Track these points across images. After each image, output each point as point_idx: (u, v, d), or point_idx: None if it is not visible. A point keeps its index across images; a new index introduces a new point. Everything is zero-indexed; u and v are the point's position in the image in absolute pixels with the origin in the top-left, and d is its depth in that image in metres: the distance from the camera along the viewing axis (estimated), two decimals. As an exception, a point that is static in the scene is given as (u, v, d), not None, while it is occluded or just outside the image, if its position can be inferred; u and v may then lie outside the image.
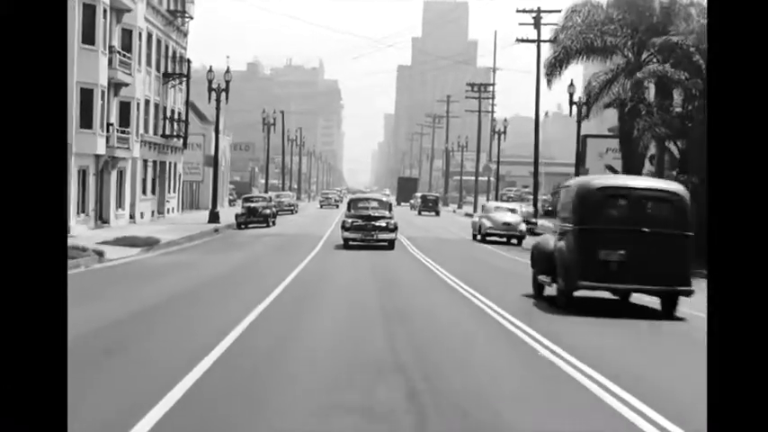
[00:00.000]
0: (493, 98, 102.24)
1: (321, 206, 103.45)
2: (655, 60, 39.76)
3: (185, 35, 60.99)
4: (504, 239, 46.76)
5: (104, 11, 40.47)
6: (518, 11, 67.79)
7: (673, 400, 10.10)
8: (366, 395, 9.70)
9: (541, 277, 20.04)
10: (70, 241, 29.07)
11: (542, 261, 19.99)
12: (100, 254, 27.81)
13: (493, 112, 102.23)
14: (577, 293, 18.22)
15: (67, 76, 39.00)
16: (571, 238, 18.06)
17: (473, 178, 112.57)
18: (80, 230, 38.29)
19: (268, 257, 32.19)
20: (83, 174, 40.68)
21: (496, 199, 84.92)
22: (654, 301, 18.99)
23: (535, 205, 67.47)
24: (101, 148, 40.58)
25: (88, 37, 39.47)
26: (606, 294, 19.29)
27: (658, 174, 39.88)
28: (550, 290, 19.63)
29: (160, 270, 26.46)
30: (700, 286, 15.17)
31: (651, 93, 41.29)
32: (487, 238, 46.21)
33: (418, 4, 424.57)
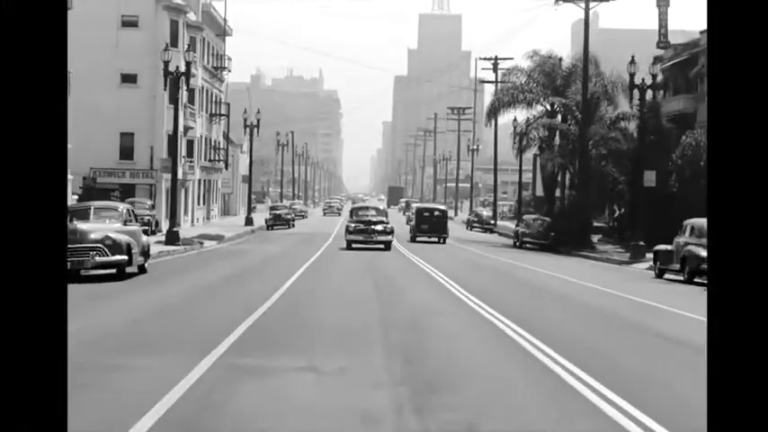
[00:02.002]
0: (474, 119, 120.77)
1: (324, 214, 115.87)
2: (560, 112, 58.45)
3: (222, 81, 79.72)
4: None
5: (181, 79, 59.13)
6: (480, 58, 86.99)
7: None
8: (359, 281, 28.07)
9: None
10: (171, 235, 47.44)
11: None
12: (201, 243, 46.36)
13: (474, 131, 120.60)
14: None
15: (158, 127, 58.39)
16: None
17: (462, 185, 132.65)
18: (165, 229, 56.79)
19: (298, 246, 50.22)
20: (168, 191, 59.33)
21: (471, 204, 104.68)
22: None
23: (494, 211, 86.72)
24: (181, 174, 59.34)
25: (172, 98, 58.06)
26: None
27: (559, 188, 58.70)
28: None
29: (237, 252, 44.58)
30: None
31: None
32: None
33: (414, 18, 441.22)
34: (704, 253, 26.93)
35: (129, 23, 58.77)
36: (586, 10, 51.89)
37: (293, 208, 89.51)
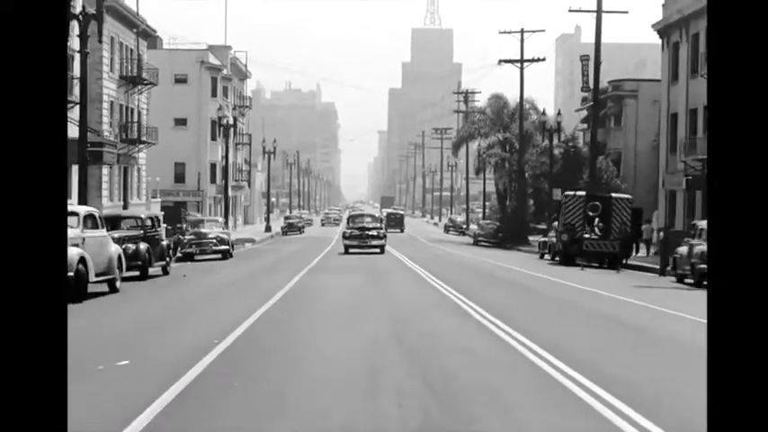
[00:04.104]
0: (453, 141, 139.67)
1: (323, 224, 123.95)
2: (506, 143, 77.31)
3: (244, 116, 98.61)
4: None
5: (217, 123, 78.15)
6: (454, 92, 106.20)
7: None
8: (355, 261, 46.72)
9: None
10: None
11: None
12: (243, 244, 65.11)
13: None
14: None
15: (202, 157, 77.39)
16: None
17: (447, 194, 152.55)
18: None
19: (311, 245, 68.45)
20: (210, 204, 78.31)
21: (450, 211, 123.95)
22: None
23: (467, 218, 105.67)
24: (217, 192, 78.29)
25: (213, 135, 77.05)
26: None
27: (508, 200, 77.63)
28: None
29: (272, 250, 62.85)
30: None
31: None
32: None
33: (407, 31, 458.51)
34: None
35: (180, 80, 77.76)
36: (521, 69, 70.60)
37: (301, 217, 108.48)
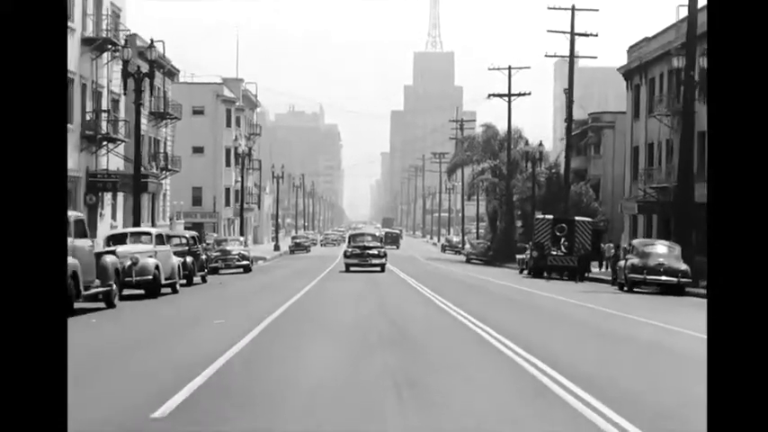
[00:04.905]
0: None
1: (323, 245, 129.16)
2: (498, 170, 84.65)
3: (254, 143, 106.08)
4: None
5: (233, 151, 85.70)
6: (450, 120, 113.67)
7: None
8: (358, 276, 53.85)
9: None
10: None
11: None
12: (255, 261, 72.35)
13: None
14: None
15: (218, 182, 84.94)
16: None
17: (446, 215, 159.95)
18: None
19: (318, 262, 75.26)
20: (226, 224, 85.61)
21: (447, 231, 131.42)
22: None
23: (463, 238, 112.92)
24: (233, 214, 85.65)
25: (227, 162, 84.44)
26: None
27: (498, 221, 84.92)
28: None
29: (285, 265, 69.90)
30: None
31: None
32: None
33: (409, 55, 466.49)
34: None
35: (198, 111, 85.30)
36: (509, 102, 77.99)
37: (307, 237, 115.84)
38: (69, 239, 20.38)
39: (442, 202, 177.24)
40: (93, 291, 21.74)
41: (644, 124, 57.39)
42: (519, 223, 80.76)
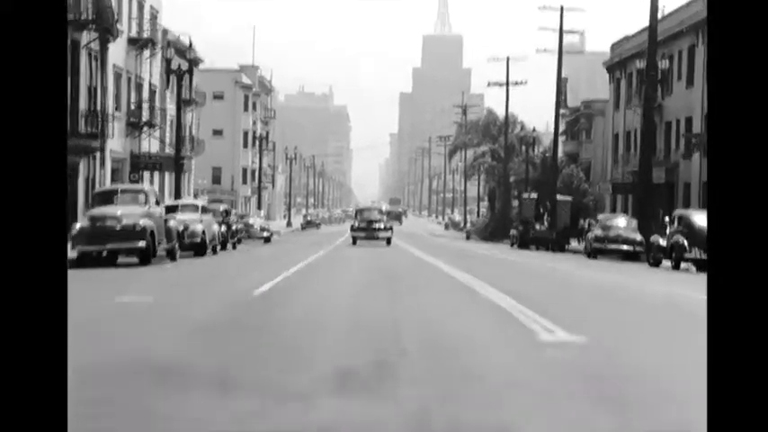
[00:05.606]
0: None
1: (328, 224, 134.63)
2: (496, 153, 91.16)
3: (270, 126, 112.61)
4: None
5: (250, 134, 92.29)
6: (454, 105, 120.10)
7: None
8: (365, 246, 60.46)
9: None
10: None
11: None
12: (278, 233, 79.03)
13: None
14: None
15: (236, 163, 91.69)
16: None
17: (450, 195, 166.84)
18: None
19: (328, 237, 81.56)
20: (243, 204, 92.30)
21: (451, 211, 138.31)
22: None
23: (465, 216, 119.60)
24: (250, 192, 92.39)
25: (245, 144, 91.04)
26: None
27: (496, 201, 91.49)
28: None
29: (296, 239, 76.64)
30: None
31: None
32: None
33: (417, 38, 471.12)
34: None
35: (218, 97, 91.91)
36: (507, 90, 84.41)
37: (318, 215, 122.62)
38: (147, 207, 26.92)
39: (447, 183, 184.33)
40: (162, 246, 28.21)
41: (623, 115, 63.85)
42: (515, 203, 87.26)
